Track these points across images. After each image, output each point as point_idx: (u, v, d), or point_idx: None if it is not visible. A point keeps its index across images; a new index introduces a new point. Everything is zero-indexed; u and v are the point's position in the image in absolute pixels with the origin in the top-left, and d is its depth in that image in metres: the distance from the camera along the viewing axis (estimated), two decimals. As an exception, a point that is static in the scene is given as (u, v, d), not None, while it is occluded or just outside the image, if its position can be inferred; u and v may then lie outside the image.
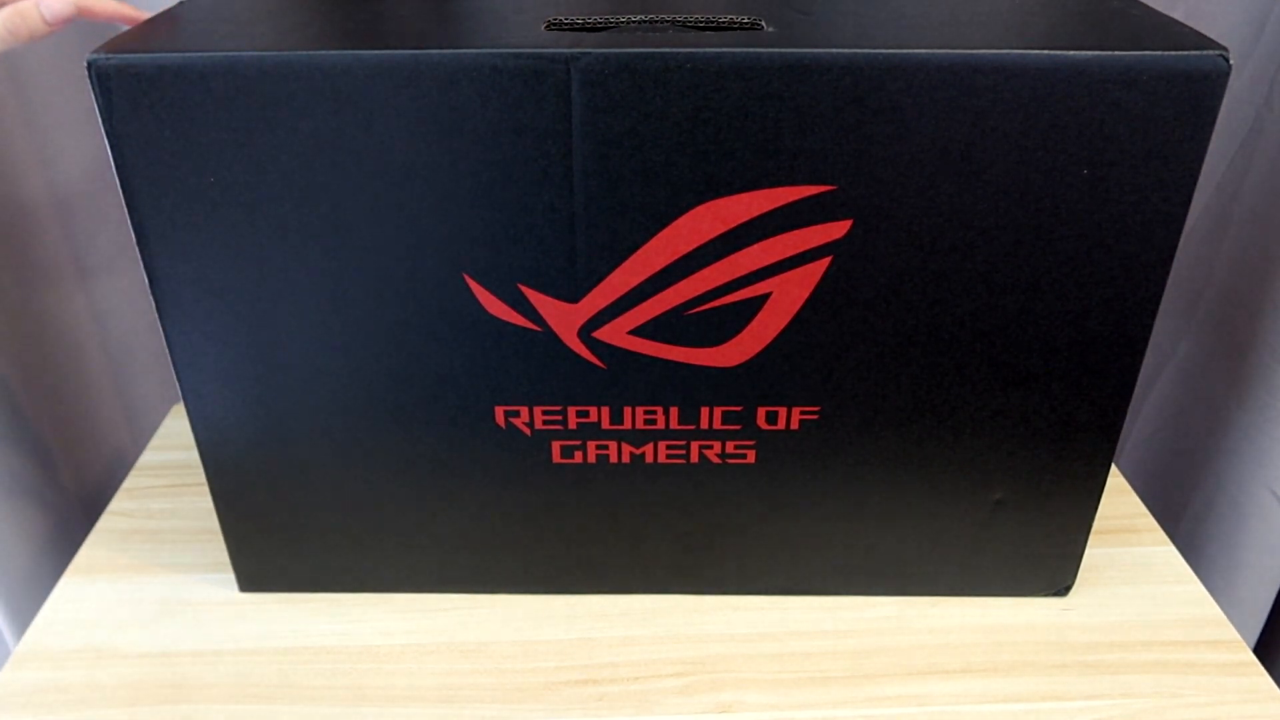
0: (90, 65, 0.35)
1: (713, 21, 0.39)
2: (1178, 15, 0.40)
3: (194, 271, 0.39)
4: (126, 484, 0.59)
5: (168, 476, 0.60)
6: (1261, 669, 0.46)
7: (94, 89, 0.35)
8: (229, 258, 0.39)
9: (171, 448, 0.63)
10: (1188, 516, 0.71)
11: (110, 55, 0.35)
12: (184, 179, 0.37)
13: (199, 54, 0.35)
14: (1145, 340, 0.41)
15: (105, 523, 0.56)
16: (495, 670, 0.46)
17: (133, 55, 0.35)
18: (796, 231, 0.38)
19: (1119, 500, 0.57)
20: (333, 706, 0.44)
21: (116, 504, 0.57)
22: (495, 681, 0.46)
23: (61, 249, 0.62)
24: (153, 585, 0.51)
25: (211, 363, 0.42)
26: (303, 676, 0.46)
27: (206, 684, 0.45)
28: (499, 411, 0.43)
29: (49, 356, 0.61)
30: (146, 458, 0.62)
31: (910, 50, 0.34)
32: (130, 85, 0.35)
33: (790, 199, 0.37)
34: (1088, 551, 0.48)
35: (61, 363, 0.62)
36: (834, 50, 0.35)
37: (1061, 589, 0.50)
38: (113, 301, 0.66)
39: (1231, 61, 0.34)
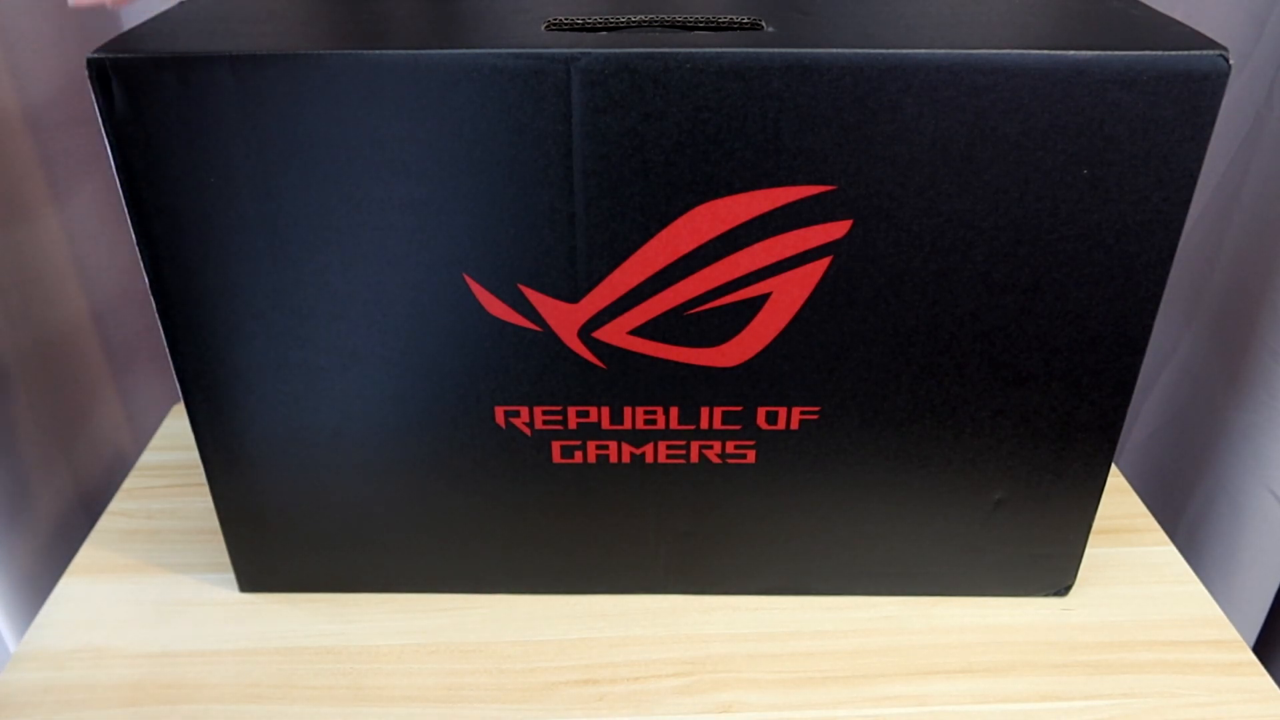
0: (90, 64, 0.35)
1: (713, 21, 0.39)
2: (1178, 15, 0.40)
3: (194, 271, 0.39)
4: (126, 484, 0.59)
5: (168, 476, 0.60)
6: (1261, 669, 0.46)
7: (94, 88, 0.35)
8: (229, 257, 0.39)
9: (171, 448, 0.63)
10: (1188, 516, 0.71)
11: (110, 54, 0.35)
12: (184, 178, 0.37)
13: (199, 53, 0.35)
14: (1145, 340, 0.41)
15: (105, 523, 0.56)
16: (495, 670, 0.46)
17: (133, 54, 0.35)
18: (796, 231, 0.38)
19: (1119, 500, 0.57)
20: (333, 706, 0.44)
21: (116, 504, 0.57)
22: (495, 681, 0.46)
23: (63, 249, 0.62)
24: (153, 585, 0.51)
25: (211, 363, 0.42)
26: (303, 676, 0.46)
27: (206, 684, 0.45)
28: (499, 411, 0.43)
29: (49, 356, 0.61)
30: (146, 458, 0.62)
31: (910, 50, 0.34)
32: (130, 84, 0.35)
33: (790, 199, 0.37)
34: (1088, 551, 0.48)
35: (61, 363, 0.62)
36: (834, 50, 0.35)
37: (1061, 589, 0.50)
38: (113, 301, 0.66)
39: (1231, 61, 0.34)
